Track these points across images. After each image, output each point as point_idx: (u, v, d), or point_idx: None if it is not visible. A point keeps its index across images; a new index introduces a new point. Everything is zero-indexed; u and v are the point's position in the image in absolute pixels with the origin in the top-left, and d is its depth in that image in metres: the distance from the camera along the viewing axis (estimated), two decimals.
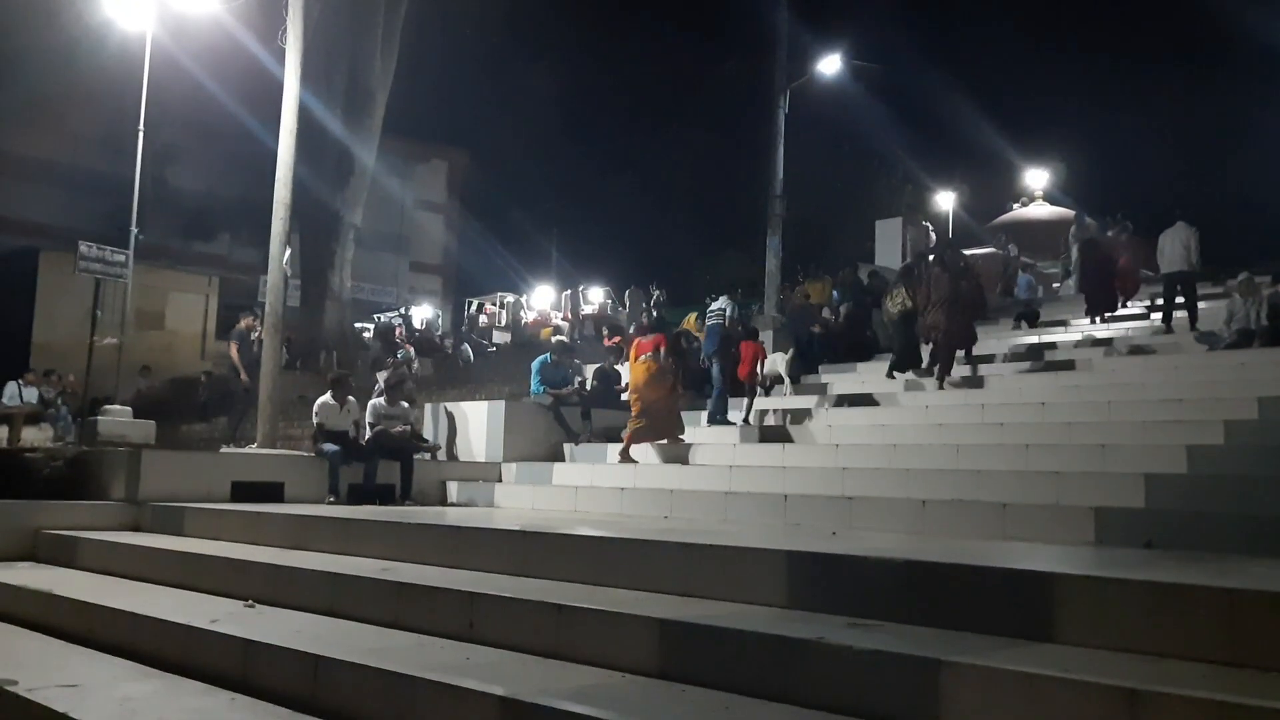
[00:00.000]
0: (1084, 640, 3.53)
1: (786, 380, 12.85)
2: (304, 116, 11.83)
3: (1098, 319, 15.07)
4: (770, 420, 11.37)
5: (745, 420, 11.52)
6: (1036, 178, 34.00)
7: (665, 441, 10.45)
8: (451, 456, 11.24)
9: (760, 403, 12.27)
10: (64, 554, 7.60)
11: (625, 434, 10.38)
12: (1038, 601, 3.71)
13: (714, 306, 12.55)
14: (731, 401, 11.74)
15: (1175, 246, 13.32)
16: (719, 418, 11.52)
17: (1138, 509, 6.17)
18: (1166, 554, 5.16)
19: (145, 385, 17.39)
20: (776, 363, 12.88)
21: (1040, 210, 31.33)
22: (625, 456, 10.19)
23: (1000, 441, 8.45)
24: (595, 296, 36.88)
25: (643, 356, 10.63)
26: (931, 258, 14.83)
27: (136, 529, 8.30)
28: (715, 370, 11.82)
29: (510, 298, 38.77)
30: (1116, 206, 21.22)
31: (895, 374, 12.40)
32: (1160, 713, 2.85)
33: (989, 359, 13.07)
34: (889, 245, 24.79)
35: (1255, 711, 2.73)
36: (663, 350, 10.56)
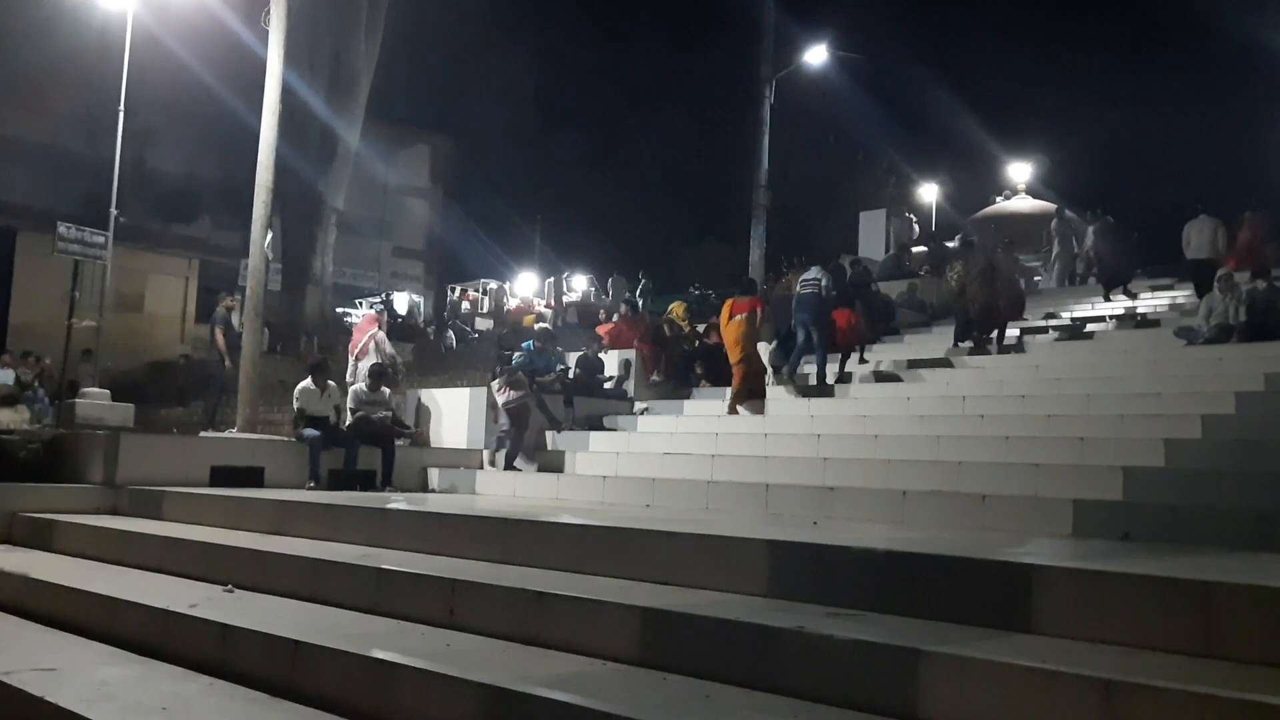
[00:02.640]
0: (1061, 631, 3.57)
1: (769, 370, 12.86)
2: (287, 99, 11.73)
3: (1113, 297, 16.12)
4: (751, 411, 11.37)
5: (840, 378, 12.18)
6: (1019, 171, 34.08)
7: (746, 409, 10.95)
8: (433, 443, 11.21)
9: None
10: (41, 537, 7.55)
11: (730, 393, 11.18)
12: (1016, 593, 3.75)
13: (808, 276, 12.84)
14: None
15: (1201, 236, 14.15)
16: (777, 373, 12.17)
17: (1116, 501, 6.22)
18: (1144, 546, 5.21)
19: (91, 370, 17.13)
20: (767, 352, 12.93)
21: (1022, 203, 31.42)
22: (732, 410, 11.05)
23: (981, 433, 8.49)
24: (578, 284, 36.82)
25: (737, 316, 11.39)
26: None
27: (114, 513, 8.25)
28: (803, 335, 12.28)
29: (493, 284, 38.65)
30: (1097, 200, 21.33)
31: (958, 344, 13.28)
32: (1135, 704, 2.88)
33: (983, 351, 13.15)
34: (872, 236, 24.89)
35: (1228, 703, 2.77)
36: (758, 312, 11.47)
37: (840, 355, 12.55)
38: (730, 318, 11.55)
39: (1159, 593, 3.51)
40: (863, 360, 13.23)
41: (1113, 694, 2.91)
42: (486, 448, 10.86)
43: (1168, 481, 6.48)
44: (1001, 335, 13.13)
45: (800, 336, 12.23)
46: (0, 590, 6.08)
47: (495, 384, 10.64)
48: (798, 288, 12.86)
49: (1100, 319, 15.00)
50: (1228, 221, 14.78)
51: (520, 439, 10.16)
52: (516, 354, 11.70)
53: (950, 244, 22.47)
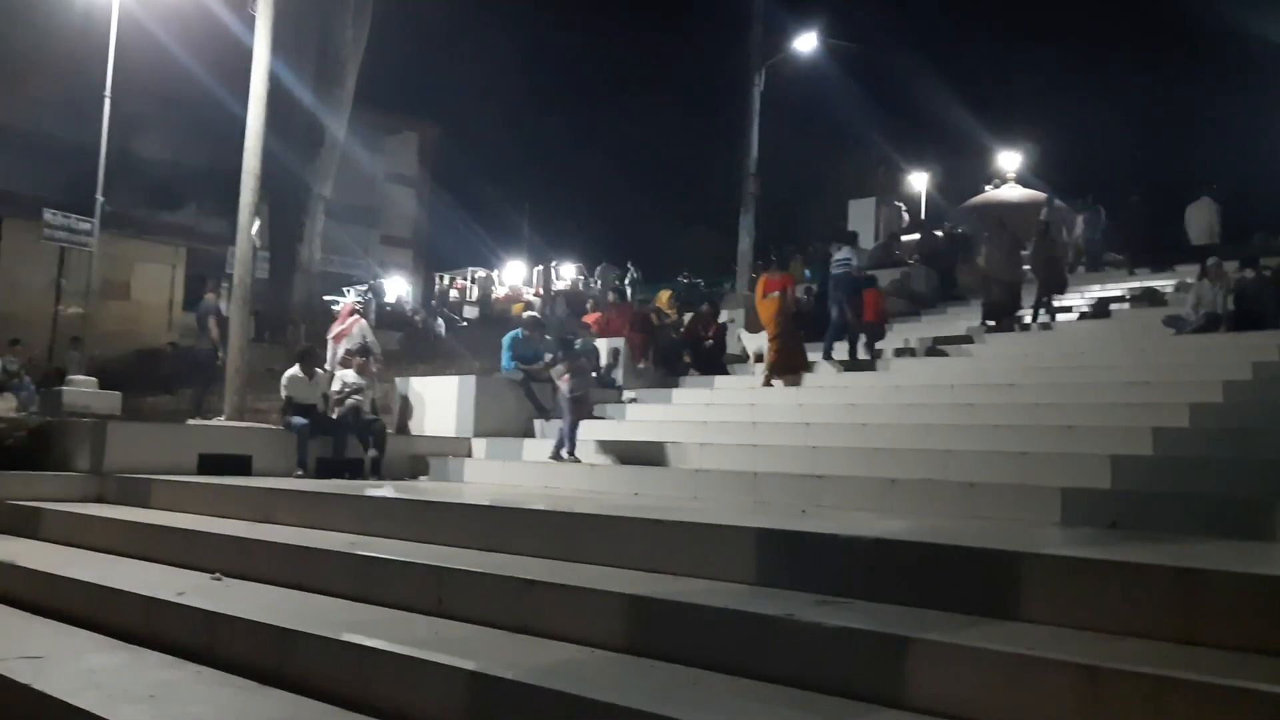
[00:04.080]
0: (1048, 618, 3.58)
1: (764, 358, 12.91)
2: (274, 86, 11.64)
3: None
4: (744, 399, 11.39)
5: (871, 353, 12.65)
6: (1009, 160, 34.12)
7: (784, 382, 11.43)
8: (423, 431, 11.19)
9: (731, 380, 12.36)
10: (28, 525, 7.51)
11: (764, 367, 11.73)
12: (1003, 580, 3.76)
13: (839, 256, 13.23)
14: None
15: (1201, 221, 14.36)
16: (832, 354, 12.66)
17: (1103, 489, 6.25)
18: (1131, 534, 5.24)
19: (79, 357, 17.05)
20: (760, 341, 12.97)
21: (1012, 192, 31.44)
22: (768, 382, 11.57)
23: (969, 422, 8.51)
24: (567, 272, 36.80)
25: (771, 293, 11.83)
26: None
27: (101, 500, 8.21)
28: (836, 313, 12.77)
29: (482, 273, 38.59)
30: (1088, 188, 21.38)
31: (985, 324, 13.89)
32: (1119, 690, 2.89)
33: (966, 339, 13.22)
34: (862, 225, 24.91)
35: (1211, 688, 2.79)
36: (790, 290, 11.97)
37: (868, 335, 13.01)
38: (765, 294, 12.04)
39: (1144, 580, 3.53)
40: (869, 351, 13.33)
41: (1097, 679, 2.92)
42: (524, 435, 10.86)
43: (1155, 470, 6.52)
44: (1050, 310, 13.87)
45: (834, 314, 12.75)
46: None
47: (556, 369, 10.17)
48: (831, 268, 13.40)
49: (1099, 304, 15.13)
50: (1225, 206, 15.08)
51: (576, 428, 9.60)
52: (578, 338, 11.46)
53: (938, 233, 22.53)
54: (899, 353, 12.96)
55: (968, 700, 3.11)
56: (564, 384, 9.83)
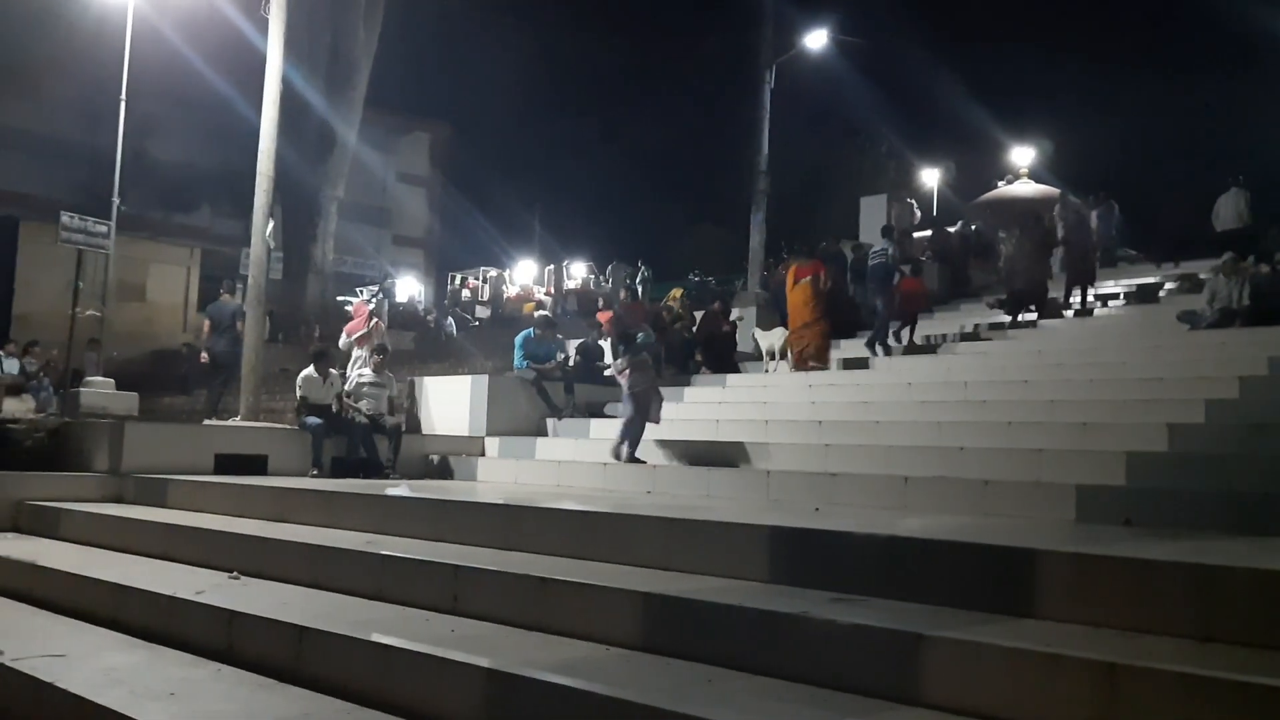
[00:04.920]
0: (1064, 616, 3.58)
1: (777, 356, 12.95)
2: (286, 89, 11.70)
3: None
4: (757, 397, 11.39)
5: (911, 341, 13.26)
6: (1022, 155, 33.94)
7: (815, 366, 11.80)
8: (435, 430, 11.23)
9: (743, 378, 12.37)
10: (47, 525, 7.58)
11: (793, 354, 12.14)
12: (1018, 577, 3.76)
13: (876, 248, 13.72)
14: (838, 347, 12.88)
15: (1230, 209, 14.62)
16: (878, 344, 12.93)
17: (1118, 486, 6.23)
18: (1146, 531, 5.22)
19: (96, 359, 17.18)
20: (773, 338, 13.01)
21: (1024, 188, 31.26)
22: (800, 368, 11.97)
23: (983, 419, 8.50)
24: (578, 271, 36.80)
25: (802, 280, 12.06)
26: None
27: (119, 500, 8.27)
28: (881, 304, 13.14)
29: (493, 272, 38.62)
30: (1101, 184, 21.28)
31: (1014, 318, 14.11)
32: (1138, 687, 2.89)
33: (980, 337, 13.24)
34: (873, 222, 24.74)
35: (1229, 685, 2.78)
36: (822, 275, 12.16)
37: (901, 324, 13.52)
38: (795, 282, 12.28)
39: (1161, 577, 3.52)
40: (896, 339, 13.81)
41: (1115, 676, 2.92)
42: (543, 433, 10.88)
43: (1170, 466, 6.49)
44: (1083, 299, 14.44)
45: (880, 305, 13.14)
46: (8, 578, 6.12)
47: (617, 364, 9.70)
48: (869, 259, 13.77)
49: (1110, 300, 15.15)
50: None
51: (642, 427, 9.12)
52: (640, 333, 11.28)
53: (950, 229, 22.45)
54: (908, 350, 12.99)
55: (985, 698, 3.12)
56: (624, 380, 9.37)
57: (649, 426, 9.13)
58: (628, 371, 9.38)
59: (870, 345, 12.92)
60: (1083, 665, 3.00)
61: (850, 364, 12.39)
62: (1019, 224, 15.25)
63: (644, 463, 8.83)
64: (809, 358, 11.97)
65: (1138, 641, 3.26)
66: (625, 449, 8.94)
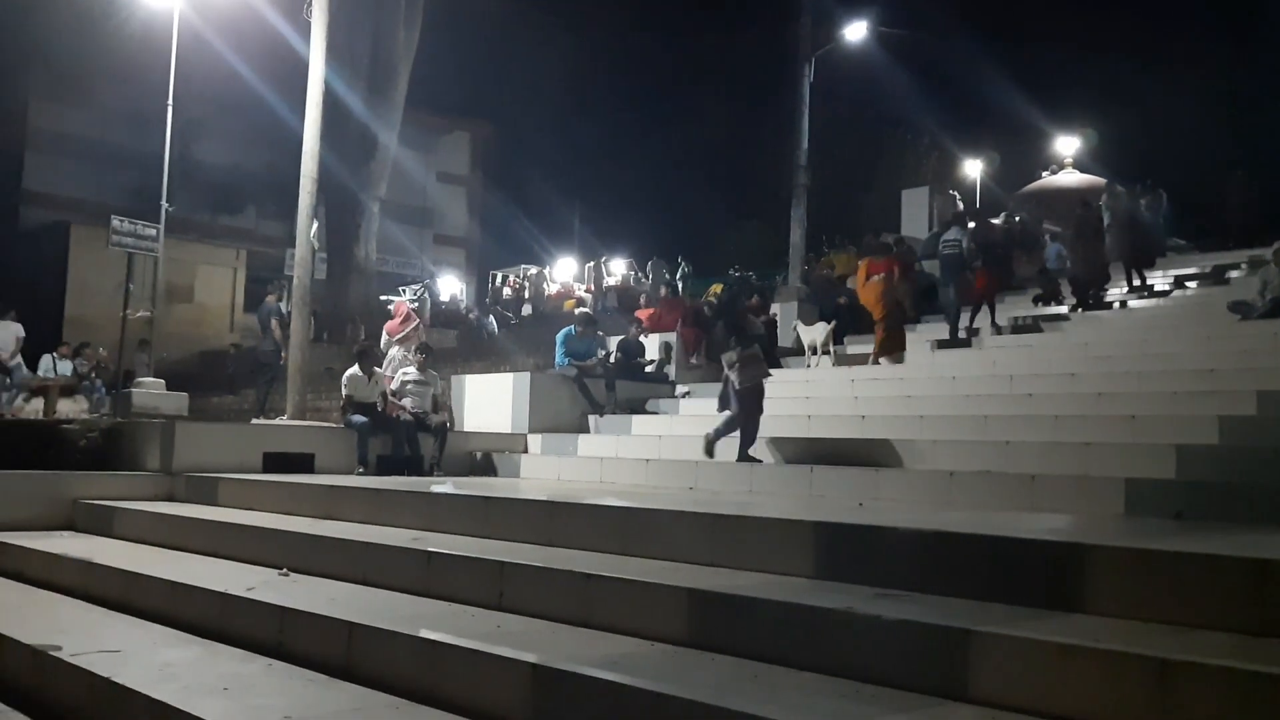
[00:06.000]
0: (1114, 611, 3.53)
1: (820, 351, 12.91)
2: (327, 91, 11.84)
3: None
4: (799, 392, 11.35)
5: (993, 326, 13.42)
6: (1066, 145, 33.45)
7: (886, 359, 11.96)
8: (478, 428, 11.32)
9: (785, 374, 12.32)
10: (101, 523, 7.73)
11: (874, 348, 12.30)
12: (1067, 572, 3.71)
13: (948, 237, 13.66)
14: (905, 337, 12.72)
15: None
16: (954, 336, 13.07)
17: (1168, 480, 6.13)
18: (1197, 525, 5.13)
19: (147, 360, 17.50)
20: (815, 333, 12.98)
21: (1069, 178, 30.79)
22: (875, 360, 12.16)
23: (1029, 412, 8.41)
24: (617, 268, 36.85)
25: (875, 276, 12.17)
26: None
27: (171, 499, 8.42)
28: (951, 294, 13.25)
29: (533, 270, 38.80)
30: (1148, 174, 20.92)
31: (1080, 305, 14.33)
32: (1191, 683, 2.85)
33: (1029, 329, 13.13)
34: (915, 214, 24.59)
35: None
36: (894, 272, 12.23)
37: (973, 309, 13.56)
38: (868, 277, 12.38)
39: (1214, 571, 3.47)
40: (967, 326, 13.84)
41: (1168, 673, 2.88)
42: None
43: (1222, 459, 6.38)
44: (1143, 280, 14.69)
45: (951, 294, 13.28)
46: (65, 575, 6.25)
47: (727, 357, 8.94)
48: (940, 248, 13.83)
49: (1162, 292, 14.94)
50: None
51: (755, 425, 8.61)
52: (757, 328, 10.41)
53: (994, 221, 22.20)
54: (942, 344, 12.87)
55: (1033, 694, 3.09)
56: (734, 375, 8.76)
57: (692, 421, 9.08)
58: (738, 366, 8.76)
59: (951, 334, 13.07)
60: (1134, 661, 2.96)
61: (942, 344, 12.77)
62: (1071, 214, 15.26)
63: (759, 461, 8.32)
64: (881, 352, 12.14)
65: (1190, 637, 3.21)
66: (743, 448, 8.43)
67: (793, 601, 3.79)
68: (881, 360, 12.05)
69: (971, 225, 22.48)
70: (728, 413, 8.82)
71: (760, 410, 8.70)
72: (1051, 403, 8.53)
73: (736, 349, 8.78)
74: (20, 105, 33.73)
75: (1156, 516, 5.54)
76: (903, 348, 12.24)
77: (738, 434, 8.56)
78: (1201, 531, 4.75)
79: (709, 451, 8.56)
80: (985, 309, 13.84)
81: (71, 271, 28.75)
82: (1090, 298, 14.19)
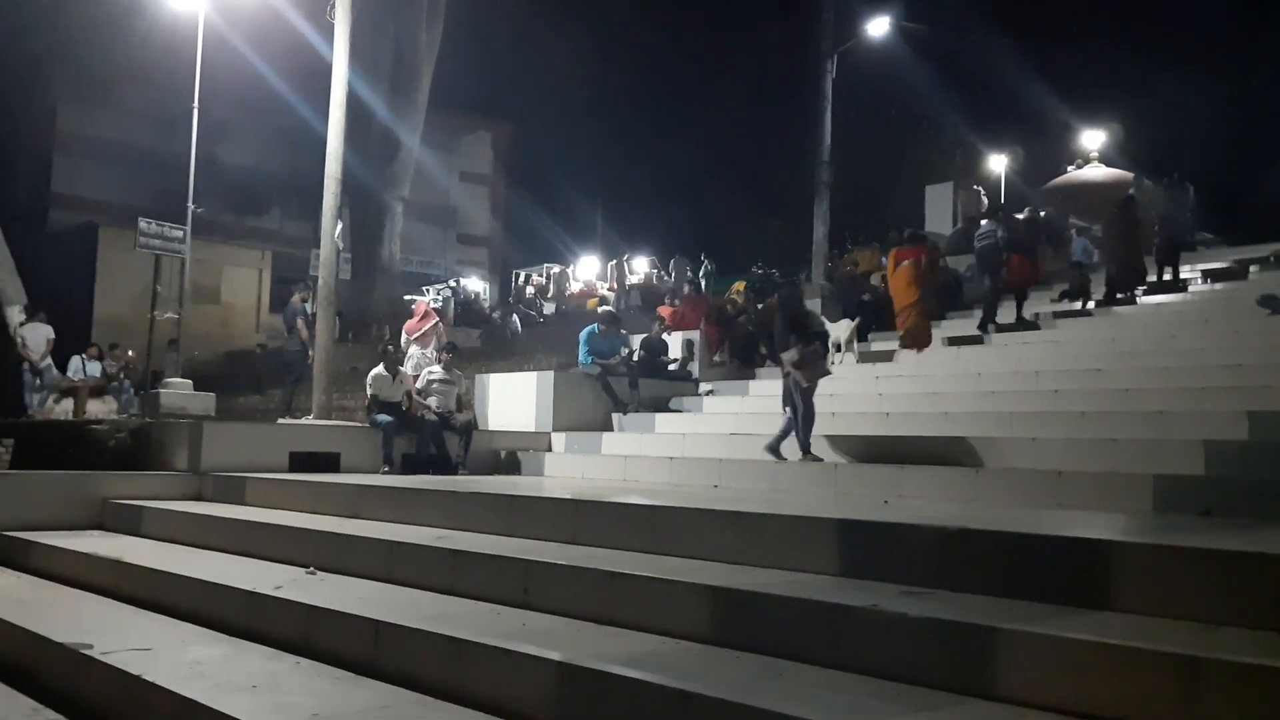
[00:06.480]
0: (1141, 608, 3.51)
1: (844, 349, 12.84)
2: (351, 92, 11.91)
3: None
4: (821, 389, 11.30)
5: (1020, 318, 13.24)
6: (1092, 139, 33.11)
7: (915, 349, 12.02)
8: (502, 427, 11.36)
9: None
10: (131, 523, 7.82)
11: (900, 337, 12.39)
12: (1094, 569, 3.69)
13: (983, 229, 13.86)
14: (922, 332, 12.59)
15: None
16: (989, 325, 13.12)
17: (1197, 476, 6.08)
18: (1226, 521, 5.08)
19: (174, 359, 17.69)
20: (839, 330, 12.91)
21: (1095, 172, 30.46)
22: (903, 346, 12.28)
23: (1055, 409, 8.34)
24: (640, 266, 36.84)
25: (904, 263, 12.22)
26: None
27: (199, 498, 8.51)
28: (988, 284, 13.41)
29: (555, 269, 38.85)
30: (1174, 167, 20.69)
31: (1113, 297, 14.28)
32: (1219, 681, 2.83)
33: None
34: (939, 210, 24.47)
35: None
36: (923, 259, 12.28)
37: (1017, 300, 13.54)
38: (896, 265, 12.44)
39: (1242, 568, 3.43)
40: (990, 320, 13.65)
41: (1196, 671, 2.86)
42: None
43: (1251, 455, 6.31)
44: (1175, 275, 14.63)
45: (987, 284, 13.41)
46: (95, 574, 6.33)
47: (789, 355, 8.60)
48: (975, 240, 13.99)
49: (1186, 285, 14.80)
50: None
51: (811, 420, 8.40)
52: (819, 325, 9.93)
53: (1019, 215, 22.03)
54: (955, 339, 12.79)
55: (1060, 691, 3.07)
56: (798, 374, 8.47)
57: (716, 419, 9.06)
58: (802, 363, 8.50)
59: (982, 326, 13.06)
60: (1162, 658, 2.94)
61: (956, 341, 12.67)
62: (1098, 209, 15.20)
63: (820, 459, 8.12)
64: (907, 340, 12.20)
65: (1218, 635, 3.18)
66: (802, 448, 8.26)
67: (817, 599, 3.79)
68: (907, 351, 12.10)
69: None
70: (785, 416, 8.58)
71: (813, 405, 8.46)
72: (1078, 399, 8.45)
73: (798, 346, 8.56)
74: (48, 110, 34.17)
75: (1185, 513, 5.49)
76: (929, 338, 12.25)
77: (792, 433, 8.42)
78: (1230, 529, 4.70)
79: (775, 454, 8.37)
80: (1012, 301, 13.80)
81: (100, 273, 29.08)
82: (1124, 296, 14.07)
